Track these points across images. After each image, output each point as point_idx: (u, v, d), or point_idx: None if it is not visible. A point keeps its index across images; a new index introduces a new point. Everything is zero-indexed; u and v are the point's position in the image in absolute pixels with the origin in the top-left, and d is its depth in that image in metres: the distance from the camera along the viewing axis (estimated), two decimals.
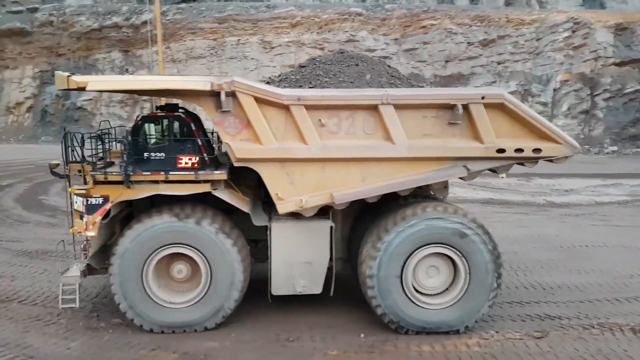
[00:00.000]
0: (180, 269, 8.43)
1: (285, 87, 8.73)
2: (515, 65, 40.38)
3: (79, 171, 8.32)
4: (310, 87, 8.68)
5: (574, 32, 39.96)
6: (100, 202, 7.98)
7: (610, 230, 15.54)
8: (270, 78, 10.41)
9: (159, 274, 8.38)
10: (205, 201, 8.38)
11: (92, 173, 8.01)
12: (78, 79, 7.64)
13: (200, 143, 8.29)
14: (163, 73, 26.14)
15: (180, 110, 8.86)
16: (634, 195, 21.47)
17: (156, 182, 8.04)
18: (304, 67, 9.98)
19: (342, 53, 10.46)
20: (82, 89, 7.75)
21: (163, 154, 8.18)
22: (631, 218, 17.40)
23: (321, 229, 8.48)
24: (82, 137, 8.49)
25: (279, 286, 8.56)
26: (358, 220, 9.35)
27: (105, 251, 8.76)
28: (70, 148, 8.33)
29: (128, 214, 8.97)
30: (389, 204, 8.67)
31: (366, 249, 8.37)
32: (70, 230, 8.60)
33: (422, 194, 9.10)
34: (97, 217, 7.99)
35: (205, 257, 8.18)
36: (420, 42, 41.64)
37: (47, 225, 16.06)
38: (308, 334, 8.35)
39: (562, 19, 40.44)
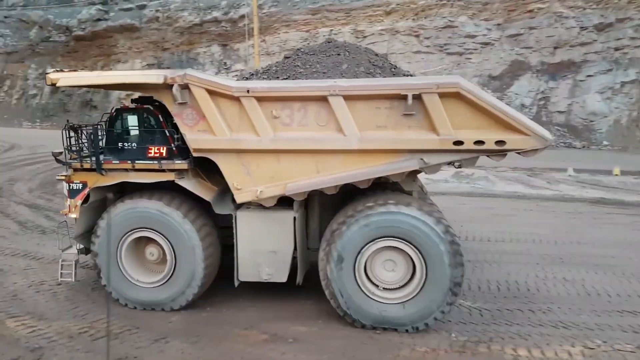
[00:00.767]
0: (152, 252, 9.03)
1: (264, 79, 8.80)
2: (636, 52, 36.06)
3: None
4: (284, 79, 8.62)
5: None
6: (80, 187, 8.94)
7: None
8: (256, 70, 10.50)
9: (138, 255, 9.09)
10: (183, 190, 8.72)
11: (69, 161, 8.90)
12: (52, 76, 8.46)
13: (167, 134, 8.64)
14: (258, 65, 27.05)
15: (156, 103, 9.08)
16: None
17: (127, 170, 8.67)
18: (288, 58, 9.93)
19: (329, 42, 10.30)
20: (54, 85, 8.50)
21: (135, 144, 8.78)
22: None
23: (285, 220, 8.56)
24: (80, 128, 9.18)
25: (245, 273, 8.77)
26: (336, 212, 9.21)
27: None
28: (71, 138, 9.01)
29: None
30: (355, 196, 8.53)
31: (323, 240, 8.40)
32: (60, 212, 9.53)
33: (392, 187, 8.81)
34: (78, 200, 8.91)
35: (169, 241, 8.69)
36: (525, 27, 38.61)
37: None
38: None
39: None
